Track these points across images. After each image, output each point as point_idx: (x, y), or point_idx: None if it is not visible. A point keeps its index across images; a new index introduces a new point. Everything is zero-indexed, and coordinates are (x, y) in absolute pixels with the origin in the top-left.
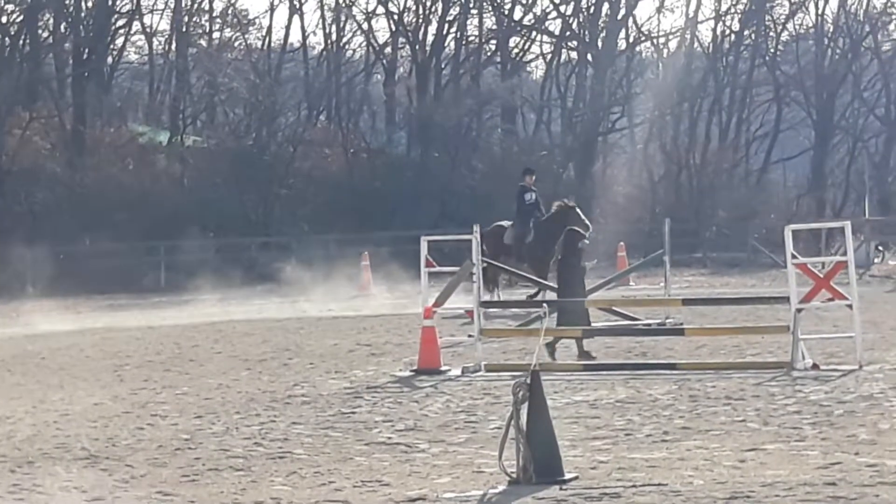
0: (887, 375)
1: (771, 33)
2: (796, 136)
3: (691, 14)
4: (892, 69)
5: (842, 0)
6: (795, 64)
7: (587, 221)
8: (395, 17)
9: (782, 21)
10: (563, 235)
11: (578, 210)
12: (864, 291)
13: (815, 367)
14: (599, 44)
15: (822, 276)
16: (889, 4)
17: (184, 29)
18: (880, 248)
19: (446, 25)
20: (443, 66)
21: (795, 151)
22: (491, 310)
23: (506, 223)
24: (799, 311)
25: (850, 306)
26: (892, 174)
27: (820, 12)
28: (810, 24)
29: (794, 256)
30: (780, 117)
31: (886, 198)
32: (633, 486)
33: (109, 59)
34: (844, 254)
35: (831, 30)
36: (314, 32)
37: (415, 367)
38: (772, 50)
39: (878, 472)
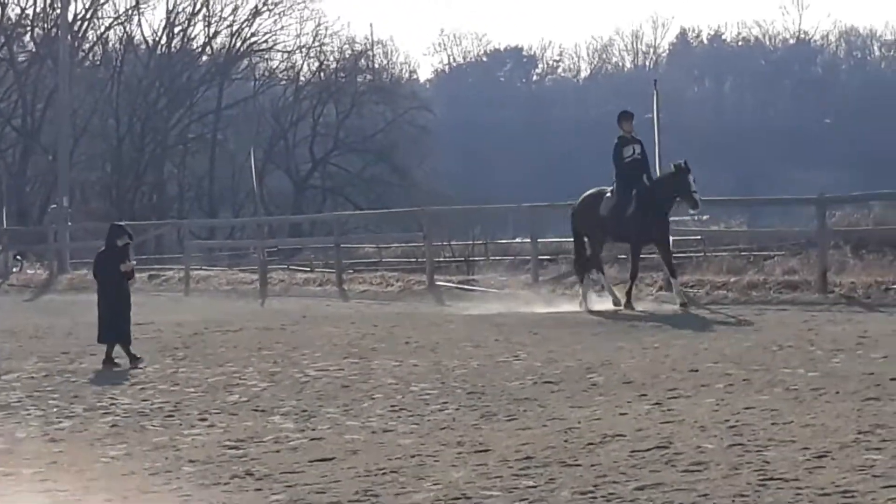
0: (24, 384)
1: None
2: None
3: None
4: (28, 80)
5: None
6: None
7: (697, 197)
8: None
9: None
10: (108, 231)
11: (691, 177)
12: (3, 301)
13: None
14: None
15: None
16: (24, 17)
17: None
18: (19, 257)
19: None
20: None
21: None
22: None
23: (608, 189)
24: None
25: None
26: (30, 184)
27: None
28: None
29: None
30: None
31: (25, 208)
32: None
33: None
34: None
35: None
36: None
37: None
38: None
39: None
